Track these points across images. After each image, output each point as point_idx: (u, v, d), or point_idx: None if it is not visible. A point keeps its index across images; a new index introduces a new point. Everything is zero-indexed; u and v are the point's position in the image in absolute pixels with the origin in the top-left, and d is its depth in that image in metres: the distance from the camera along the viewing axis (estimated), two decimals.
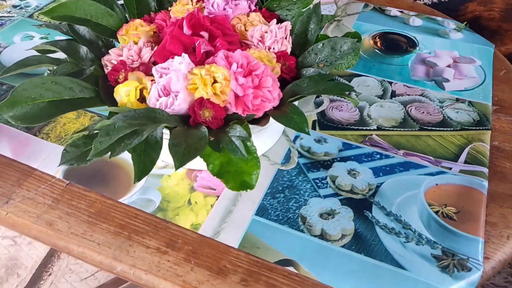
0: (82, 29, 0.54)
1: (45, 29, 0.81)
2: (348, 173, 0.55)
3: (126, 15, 0.60)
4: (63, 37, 0.55)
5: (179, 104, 0.45)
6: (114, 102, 0.48)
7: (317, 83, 0.48)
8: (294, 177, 0.55)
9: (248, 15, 0.59)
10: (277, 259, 0.46)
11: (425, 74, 0.71)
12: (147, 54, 0.51)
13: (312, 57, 0.53)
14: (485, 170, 0.56)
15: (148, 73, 0.51)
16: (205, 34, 0.52)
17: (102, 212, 0.50)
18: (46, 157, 0.57)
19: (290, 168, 0.56)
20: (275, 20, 0.56)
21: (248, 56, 0.49)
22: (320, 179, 0.55)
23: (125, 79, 0.48)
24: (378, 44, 0.78)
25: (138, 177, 0.41)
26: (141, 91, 0.48)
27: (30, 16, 0.85)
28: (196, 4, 0.59)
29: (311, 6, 0.57)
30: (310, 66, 0.53)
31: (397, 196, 0.53)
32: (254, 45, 0.54)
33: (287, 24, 0.55)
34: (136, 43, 0.54)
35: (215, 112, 0.46)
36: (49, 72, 0.51)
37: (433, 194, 0.53)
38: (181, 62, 0.47)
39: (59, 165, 0.42)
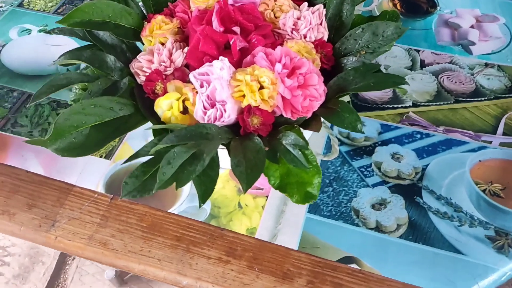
0: (102, 34, 0.50)
1: (42, 20, 0.75)
2: (392, 158, 0.55)
3: (143, 9, 0.55)
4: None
5: (229, 116, 0.43)
6: (154, 115, 0.46)
7: (364, 76, 0.46)
8: (339, 168, 0.54)
9: None
10: (339, 257, 0.47)
11: (451, 38, 0.69)
12: (179, 58, 0.48)
13: (351, 43, 0.51)
14: None
15: (185, 79, 0.48)
16: (237, 29, 0.49)
17: (155, 225, 0.50)
18: (82, 170, 0.55)
19: (333, 158, 0.55)
20: (305, 4, 0.53)
21: (289, 52, 0.46)
22: (365, 167, 0.54)
23: (164, 90, 0.45)
24: (398, 6, 0.74)
25: (202, 200, 0.39)
26: (183, 101, 0.45)
27: (20, 5, 0.78)
28: None
29: (364, 10, 0.53)
30: (349, 54, 0.51)
31: (444, 177, 0.53)
32: (289, 35, 0.51)
33: (321, 8, 0.52)
34: (163, 44, 0.50)
35: (264, 118, 0.44)
36: (76, 89, 0.48)
37: (477, 171, 0.54)
38: (222, 68, 0.45)
39: (120, 198, 0.41)
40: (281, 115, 0.45)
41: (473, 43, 0.68)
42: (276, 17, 0.53)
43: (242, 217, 0.51)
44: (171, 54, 0.49)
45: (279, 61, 0.46)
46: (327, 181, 0.53)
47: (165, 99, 0.45)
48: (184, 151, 0.38)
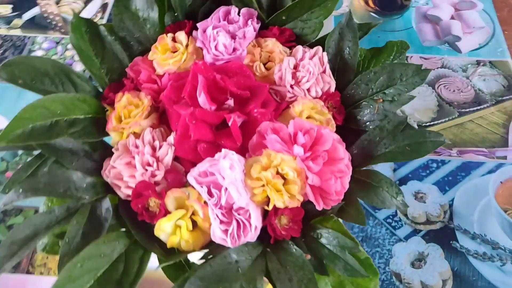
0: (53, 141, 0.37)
1: None
2: (415, 198, 0.50)
3: (93, 83, 0.42)
4: None
5: (256, 228, 0.35)
6: (155, 239, 0.36)
7: (394, 137, 0.39)
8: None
9: (257, 42, 0.45)
10: None
11: (435, 35, 0.64)
12: (168, 155, 0.37)
13: (362, 89, 0.43)
14: None
15: (181, 181, 0.38)
16: (230, 101, 0.39)
17: None
18: None
19: None
20: (300, 48, 0.43)
21: (302, 124, 0.38)
22: (391, 216, 0.49)
23: (162, 207, 0.35)
24: (370, 3, 0.67)
25: None
26: (190, 218, 0.35)
27: None
28: (186, 48, 0.43)
29: (336, 14, 0.44)
30: (361, 101, 0.43)
31: (472, 211, 0.49)
32: (289, 92, 0.42)
33: (319, 51, 0.43)
34: (138, 136, 0.39)
35: (293, 215, 0.36)
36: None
37: (502, 195, 0.50)
38: (232, 167, 0.35)
39: None
40: (308, 200, 0.38)
41: (459, 38, 0.63)
42: (267, 69, 0.43)
43: None
44: (154, 150, 0.38)
45: (295, 141, 0.37)
46: None
47: (167, 221, 0.35)
48: None
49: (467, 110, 0.57)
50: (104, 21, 0.64)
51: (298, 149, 0.36)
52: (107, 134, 0.39)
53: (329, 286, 0.36)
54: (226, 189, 0.35)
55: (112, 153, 0.40)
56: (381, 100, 0.42)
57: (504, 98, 0.58)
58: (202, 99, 0.38)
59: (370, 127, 0.41)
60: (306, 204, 0.38)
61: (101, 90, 0.43)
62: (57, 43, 0.62)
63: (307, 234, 0.37)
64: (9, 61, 0.39)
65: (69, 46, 0.62)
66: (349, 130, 0.42)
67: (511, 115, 0.56)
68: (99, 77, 0.43)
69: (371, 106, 0.42)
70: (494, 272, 0.46)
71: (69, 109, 0.38)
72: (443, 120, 0.56)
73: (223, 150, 0.37)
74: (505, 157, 0.53)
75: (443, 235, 0.48)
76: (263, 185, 0.35)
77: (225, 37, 0.42)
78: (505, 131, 0.55)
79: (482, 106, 0.57)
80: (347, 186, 0.38)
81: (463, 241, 0.48)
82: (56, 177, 0.35)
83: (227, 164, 0.35)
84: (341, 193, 0.37)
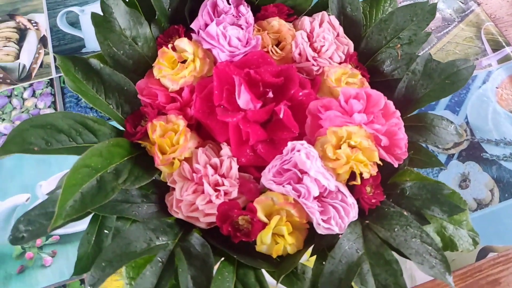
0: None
1: None
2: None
3: (111, 123, 0.38)
4: None
5: (354, 205, 0.34)
6: (257, 256, 0.33)
7: (430, 75, 0.40)
8: None
9: (260, 26, 0.43)
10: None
11: None
12: (233, 169, 0.35)
13: (376, 40, 0.42)
14: None
15: (256, 188, 0.35)
16: (270, 93, 0.37)
17: None
18: None
19: None
20: (306, 18, 0.42)
21: (349, 91, 0.37)
22: None
23: (260, 223, 0.33)
24: None
25: None
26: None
27: None
28: (195, 55, 0.39)
29: None
30: (377, 52, 0.43)
31: (486, 121, 0.53)
32: (314, 65, 0.41)
33: (324, 15, 0.42)
34: (189, 160, 0.35)
35: (373, 181, 0.36)
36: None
37: (503, 99, 0.55)
38: (310, 156, 0.34)
39: None
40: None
41: None
42: (282, 49, 0.41)
43: None
44: (216, 169, 0.35)
45: (351, 110, 0.36)
46: None
47: (268, 232, 0.33)
48: None
49: (442, 33, 0.60)
50: (51, 56, 0.57)
51: (359, 117, 0.36)
52: (157, 170, 0.36)
53: (434, 234, 0.36)
54: (311, 179, 0.33)
55: (166, 188, 0.36)
56: (399, 45, 0.43)
57: (466, 12, 0.62)
58: (244, 99, 0.36)
59: (399, 74, 0.41)
60: (378, 167, 0.38)
61: (120, 127, 0.38)
62: (9, 96, 0.54)
63: (392, 194, 0.37)
64: (13, 131, 0.33)
65: (26, 94, 0.54)
66: (375, 84, 0.43)
67: (478, 26, 0.61)
68: (111, 114, 0.38)
69: (390, 55, 0.42)
70: None
71: (107, 159, 0.33)
72: (426, 49, 0.59)
73: (289, 143, 0.35)
74: (490, 65, 0.58)
75: (473, 150, 0.51)
76: (346, 163, 0.34)
77: (236, 30, 0.39)
78: (479, 42, 0.59)
79: (452, 25, 0.61)
80: (406, 136, 0.39)
81: (490, 149, 0.51)
82: (133, 235, 0.31)
83: (303, 156, 0.34)
84: (406, 144, 0.38)
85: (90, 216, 0.36)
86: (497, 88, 0.56)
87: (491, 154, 0.51)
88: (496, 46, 0.58)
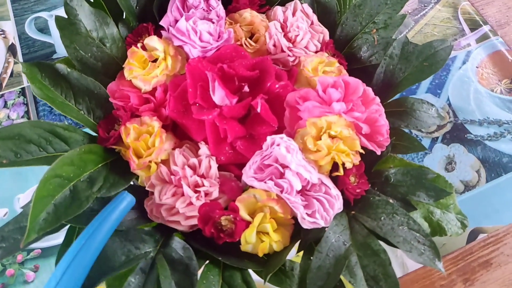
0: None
1: None
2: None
3: (83, 129, 0.36)
4: None
5: (339, 197, 0.33)
6: (243, 256, 0.32)
7: (407, 58, 0.39)
8: None
9: (232, 18, 0.41)
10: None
11: None
12: (213, 168, 0.33)
13: (351, 26, 0.42)
14: None
15: (238, 186, 0.34)
16: (245, 87, 0.36)
17: None
18: None
19: None
20: (278, 8, 0.41)
21: (326, 80, 0.36)
22: None
23: (243, 222, 0.32)
24: None
25: None
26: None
27: None
28: (166, 53, 0.38)
29: None
30: (353, 38, 0.42)
31: (468, 101, 0.52)
32: (289, 56, 0.40)
33: (297, 4, 0.41)
34: (166, 162, 0.34)
35: (357, 171, 0.35)
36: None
37: (484, 79, 0.54)
38: (290, 149, 0.33)
39: None
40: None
41: None
42: (255, 42, 0.40)
43: None
44: (195, 169, 0.34)
45: (330, 99, 0.35)
46: None
47: (252, 231, 0.32)
48: None
49: (419, 15, 0.60)
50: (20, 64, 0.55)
51: (338, 105, 0.35)
52: (134, 175, 0.34)
53: (421, 220, 0.36)
54: (293, 173, 0.33)
55: (145, 193, 0.35)
56: (375, 30, 0.42)
57: None
58: (219, 95, 0.35)
59: (377, 60, 0.41)
60: (361, 155, 0.37)
61: (93, 132, 0.37)
62: None
63: (376, 182, 0.36)
64: None
65: None
66: (353, 71, 0.42)
67: (455, 6, 0.60)
68: (83, 120, 0.36)
69: (367, 40, 0.42)
70: (509, 145, 0.50)
71: (80, 167, 0.32)
72: (404, 32, 0.58)
73: (268, 138, 0.34)
74: (469, 45, 0.57)
75: (457, 132, 0.51)
76: (327, 154, 0.33)
77: (207, 24, 0.38)
78: (457, 22, 0.59)
79: (428, 7, 0.60)
80: (387, 122, 0.38)
81: (474, 130, 0.51)
82: (110, 250, 0.30)
83: (283, 149, 0.33)
84: (388, 131, 0.37)
85: (66, 228, 0.35)
86: (477, 67, 0.55)
87: (475, 134, 0.51)
88: (474, 25, 0.58)
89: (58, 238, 0.47)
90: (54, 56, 0.57)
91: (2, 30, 0.57)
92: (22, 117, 0.52)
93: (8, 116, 0.52)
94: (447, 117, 0.52)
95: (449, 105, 0.52)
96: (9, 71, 0.55)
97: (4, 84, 0.54)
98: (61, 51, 0.58)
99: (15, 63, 0.55)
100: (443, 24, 0.58)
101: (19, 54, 0.56)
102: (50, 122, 0.34)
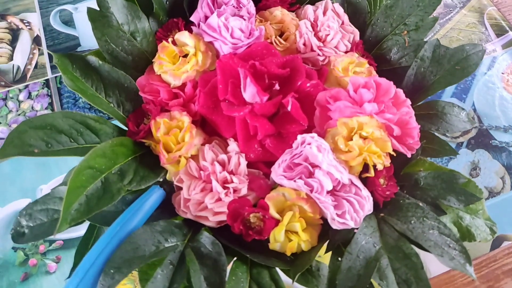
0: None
1: None
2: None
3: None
4: None
5: (369, 198, 0.33)
6: (270, 254, 0.32)
7: (438, 61, 0.38)
8: None
9: (262, 16, 0.41)
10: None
11: None
12: (242, 165, 0.33)
13: (382, 27, 0.41)
14: None
15: (266, 184, 0.34)
16: (276, 85, 0.36)
17: None
18: None
19: None
20: (308, 7, 0.41)
21: (358, 81, 0.36)
22: None
23: (273, 220, 0.32)
24: None
25: None
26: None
27: None
28: (197, 48, 0.38)
29: None
30: (383, 40, 0.42)
31: (493, 107, 0.52)
32: (319, 55, 0.39)
33: (328, 4, 0.41)
34: (196, 158, 0.34)
35: (386, 173, 0.35)
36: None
37: (510, 85, 0.54)
38: (321, 149, 0.32)
39: None
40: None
41: None
42: (285, 40, 0.40)
43: None
44: (224, 165, 0.34)
45: (361, 99, 0.35)
46: None
47: (281, 229, 0.31)
48: None
49: (445, 19, 0.59)
50: (46, 56, 0.55)
51: (370, 106, 0.35)
52: (163, 169, 0.34)
53: (450, 224, 0.35)
54: (324, 173, 0.32)
55: (172, 188, 0.35)
56: (405, 32, 0.41)
57: None
58: (250, 92, 0.34)
59: (407, 62, 0.40)
60: (390, 157, 0.36)
61: (122, 126, 0.37)
62: (4, 99, 0.52)
63: (405, 185, 0.36)
64: (12, 133, 0.32)
65: (22, 96, 0.52)
66: (382, 72, 0.41)
67: (481, 11, 0.59)
68: (113, 112, 0.36)
69: (397, 42, 0.41)
70: None
71: (111, 159, 0.32)
72: (429, 36, 0.58)
73: (298, 137, 0.34)
74: (494, 50, 0.56)
75: (482, 138, 0.50)
76: (359, 154, 0.33)
77: (238, 21, 0.38)
78: (483, 27, 0.58)
79: (454, 11, 0.60)
80: (417, 124, 0.37)
81: (499, 136, 0.50)
82: (141, 239, 0.30)
83: (315, 149, 0.32)
84: (419, 133, 0.37)
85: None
86: (502, 73, 0.55)
87: (500, 141, 0.50)
88: (500, 31, 0.57)
89: (79, 230, 0.47)
90: (78, 49, 0.57)
91: (28, 22, 0.58)
92: (46, 108, 0.52)
93: (32, 107, 0.52)
94: (474, 122, 0.51)
95: (474, 110, 0.52)
96: (34, 62, 0.55)
97: (28, 75, 0.55)
98: (85, 44, 0.58)
99: (40, 54, 0.56)
100: (468, 29, 0.58)
101: (44, 45, 0.56)
102: (82, 113, 0.34)
